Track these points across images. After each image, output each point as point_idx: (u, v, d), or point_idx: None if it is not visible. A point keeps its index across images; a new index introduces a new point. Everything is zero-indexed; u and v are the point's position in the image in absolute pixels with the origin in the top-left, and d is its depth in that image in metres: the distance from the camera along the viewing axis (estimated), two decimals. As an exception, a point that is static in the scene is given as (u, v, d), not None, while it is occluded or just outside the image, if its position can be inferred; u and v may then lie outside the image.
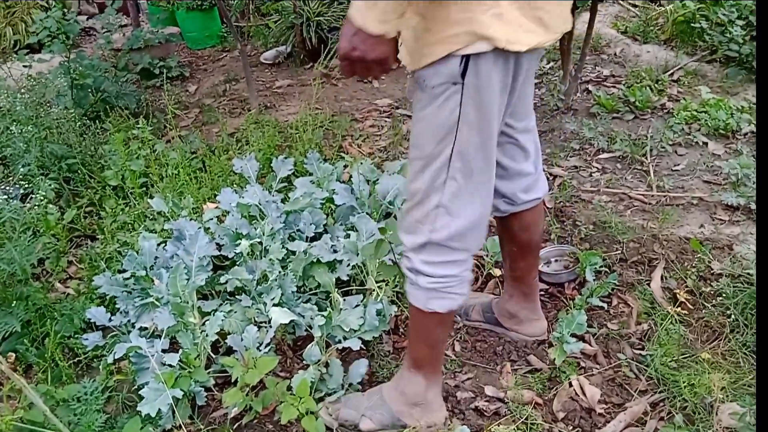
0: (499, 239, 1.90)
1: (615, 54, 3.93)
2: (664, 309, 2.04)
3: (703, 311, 2.03)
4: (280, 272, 2.04)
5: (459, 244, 1.46)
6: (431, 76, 1.31)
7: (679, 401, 1.74)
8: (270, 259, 2.08)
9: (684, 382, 1.76)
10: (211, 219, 2.33)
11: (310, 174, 2.61)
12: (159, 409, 1.66)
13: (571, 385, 1.83)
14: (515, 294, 1.95)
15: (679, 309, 2.03)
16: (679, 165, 2.83)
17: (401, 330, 2.09)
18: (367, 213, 2.33)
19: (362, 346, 1.89)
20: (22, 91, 3.16)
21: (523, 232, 1.79)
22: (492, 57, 1.26)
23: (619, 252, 2.32)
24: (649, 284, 2.16)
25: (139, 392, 1.71)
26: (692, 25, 3.81)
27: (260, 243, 2.17)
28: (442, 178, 1.39)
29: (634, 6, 4.51)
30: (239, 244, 2.12)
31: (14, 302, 2.02)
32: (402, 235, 1.52)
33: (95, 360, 2.01)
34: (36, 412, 1.51)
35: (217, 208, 2.38)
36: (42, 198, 2.21)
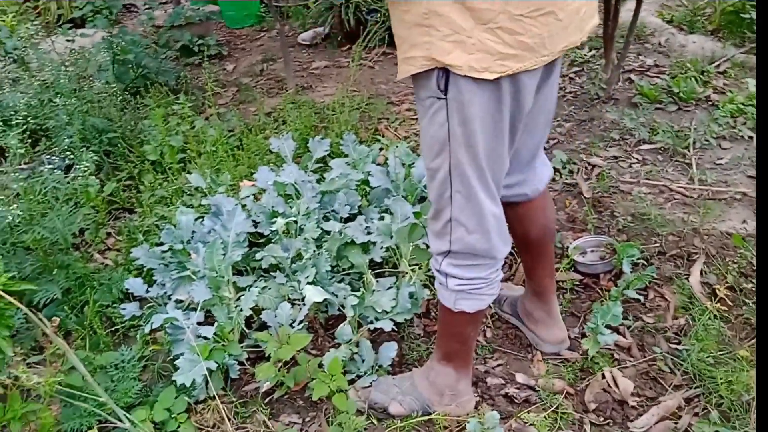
0: None
1: (659, 43, 3.83)
2: (702, 304, 2.00)
3: (744, 308, 1.99)
4: (314, 251, 2.05)
5: (481, 251, 1.45)
6: (419, 88, 1.30)
7: (715, 398, 1.71)
8: (305, 238, 2.09)
9: (721, 379, 1.73)
10: (248, 196, 2.35)
11: (346, 155, 2.61)
12: (193, 380, 1.69)
13: (603, 376, 1.81)
14: (529, 291, 1.91)
15: (718, 305, 1.99)
16: (722, 159, 2.76)
17: (432, 314, 2.09)
18: (402, 196, 2.32)
19: (393, 327, 1.90)
20: (66, 64, 3.21)
21: (518, 224, 1.74)
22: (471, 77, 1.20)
23: (658, 245, 2.28)
24: (687, 278, 2.12)
25: (175, 362, 1.75)
26: (741, 15, 3.70)
27: (295, 222, 2.18)
28: (447, 192, 1.37)
29: (681, -5, 4.39)
30: (275, 222, 2.13)
31: (55, 270, 2.07)
32: (430, 239, 1.52)
33: (132, 329, 2.05)
34: (75, 377, 1.55)
35: (253, 185, 2.40)
36: (85, 170, 2.25)
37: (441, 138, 1.30)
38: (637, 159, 2.82)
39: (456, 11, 1.14)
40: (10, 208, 1.86)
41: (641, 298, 2.06)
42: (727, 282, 2.08)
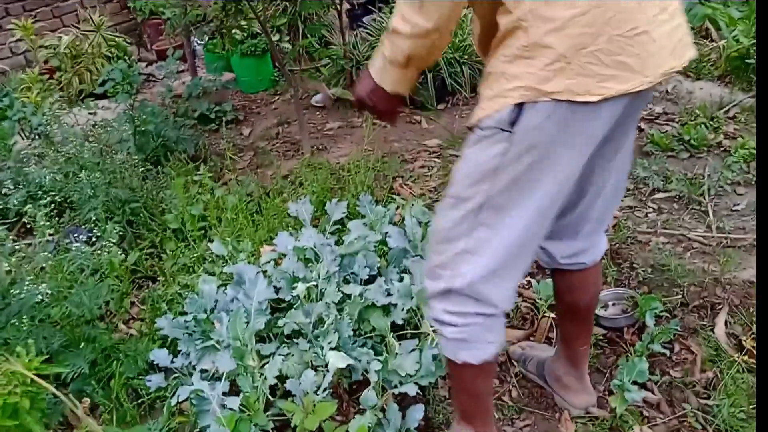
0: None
1: (667, 91, 3.88)
2: (729, 356, 1.98)
3: (772, 359, 1.96)
4: (336, 316, 2.06)
5: (483, 295, 1.37)
6: (483, 117, 1.29)
7: (750, 455, 1.68)
8: (326, 303, 2.11)
9: (755, 435, 1.69)
10: (269, 261, 2.38)
11: (363, 216, 2.65)
12: (221, 453, 1.69)
13: (634, 435, 1.79)
14: (562, 357, 1.88)
15: (745, 357, 1.96)
16: (738, 205, 2.77)
17: (457, 375, 2.08)
18: (420, 255, 2.34)
19: (418, 391, 1.89)
20: (89, 138, 3.32)
21: (568, 293, 1.72)
22: (550, 107, 1.18)
23: (680, 296, 2.27)
24: (712, 330, 2.10)
25: (201, 435, 1.75)
26: (747, 60, 3.75)
27: (316, 286, 2.20)
28: (471, 222, 1.32)
29: (685, 42, 4.46)
30: (296, 287, 2.15)
31: (81, 343, 2.10)
32: (427, 281, 1.46)
33: (158, 401, 2.06)
34: (105, 455, 1.55)
35: (273, 250, 2.43)
36: (111, 244, 2.30)
37: (489, 168, 1.27)
38: (652, 208, 2.83)
39: (555, 40, 1.15)
40: (40, 286, 1.90)
41: (667, 351, 2.04)
42: (753, 332, 2.06)
